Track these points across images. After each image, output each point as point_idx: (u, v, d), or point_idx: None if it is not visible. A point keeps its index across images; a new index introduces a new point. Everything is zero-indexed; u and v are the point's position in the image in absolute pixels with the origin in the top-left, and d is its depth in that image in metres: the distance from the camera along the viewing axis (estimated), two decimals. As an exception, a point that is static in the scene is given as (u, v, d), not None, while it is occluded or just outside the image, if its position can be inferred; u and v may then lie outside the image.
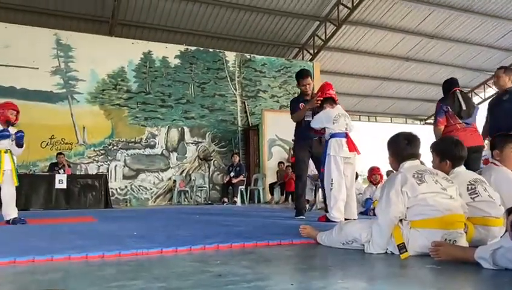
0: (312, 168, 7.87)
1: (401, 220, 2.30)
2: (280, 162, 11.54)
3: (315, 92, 5.54)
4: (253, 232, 3.19)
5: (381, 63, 16.53)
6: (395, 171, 2.54)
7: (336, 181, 4.47)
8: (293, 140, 5.60)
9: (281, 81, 13.64)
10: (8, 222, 4.72)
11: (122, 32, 12.42)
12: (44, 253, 2.13)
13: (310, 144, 5.10)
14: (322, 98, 4.89)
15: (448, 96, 4.43)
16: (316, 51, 14.64)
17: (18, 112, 4.96)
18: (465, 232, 2.31)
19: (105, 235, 3.21)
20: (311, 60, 14.77)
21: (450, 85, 4.54)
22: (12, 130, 4.85)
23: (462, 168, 2.73)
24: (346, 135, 4.68)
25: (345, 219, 4.26)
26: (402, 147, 2.50)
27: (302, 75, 5.22)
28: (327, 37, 13.99)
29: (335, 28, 13.58)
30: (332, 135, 4.62)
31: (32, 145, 10.15)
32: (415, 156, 2.52)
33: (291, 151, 9.24)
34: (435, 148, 2.88)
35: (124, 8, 11.80)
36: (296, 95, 6.17)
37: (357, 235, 2.37)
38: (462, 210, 2.33)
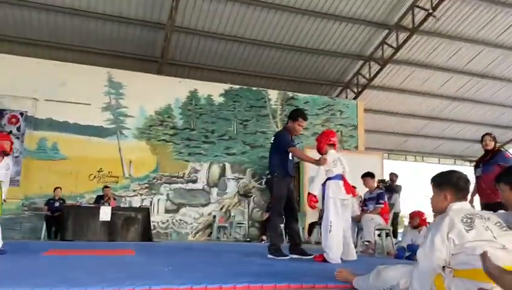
0: (355, 209, 7.68)
1: (443, 268, 2.13)
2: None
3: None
4: (287, 273, 3.10)
5: (428, 102, 16.17)
6: (436, 214, 2.38)
7: (334, 223, 4.58)
8: (273, 174, 5.17)
9: (323, 119, 13.60)
10: None
11: (170, 71, 12.94)
12: (79, 285, 2.15)
13: (289, 182, 5.21)
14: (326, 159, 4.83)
15: None
16: (360, 90, 14.57)
17: (12, 143, 5.25)
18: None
19: (139, 269, 3.22)
20: (354, 98, 14.69)
21: None
22: (7, 159, 5.06)
23: None
24: (343, 178, 4.76)
25: (343, 260, 4.54)
26: (453, 186, 2.27)
27: (305, 117, 5.32)
28: (371, 76, 13.93)
29: (379, 67, 13.52)
30: (330, 178, 4.73)
31: (81, 177, 10.67)
32: (465, 197, 2.35)
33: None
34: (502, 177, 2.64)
35: (173, 49, 12.34)
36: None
37: (395, 282, 2.23)
38: (515, 263, 2.13)
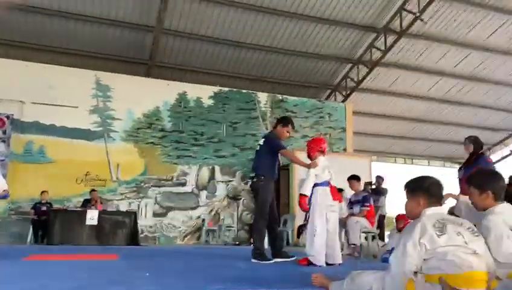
0: (343, 211, 7.70)
1: (415, 272, 2.14)
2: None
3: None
4: (265, 278, 3.09)
5: (417, 105, 16.27)
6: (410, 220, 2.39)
7: (319, 228, 4.69)
8: (260, 177, 5.13)
9: (312, 121, 13.63)
10: None
11: (159, 73, 12.89)
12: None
13: (273, 186, 5.28)
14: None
15: None
16: (348, 93, 14.62)
17: None
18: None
19: (115, 274, 3.20)
20: (343, 101, 14.74)
21: None
22: None
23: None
24: (329, 184, 4.92)
25: (328, 264, 4.69)
26: (426, 192, 2.29)
27: (294, 126, 5.49)
28: (360, 78, 13.99)
29: (368, 70, 13.58)
30: (317, 184, 4.85)
31: (68, 180, 10.57)
32: (438, 202, 2.36)
33: None
34: (472, 180, 2.68)
35: (161, 51, 12.30)
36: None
37: (367, 287, 2.23)
38: (486, 268, 2.14)
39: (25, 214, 9.94)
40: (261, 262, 4.76)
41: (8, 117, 10.37)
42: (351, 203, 7.17)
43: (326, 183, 4.91)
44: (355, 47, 13.29)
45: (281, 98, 13.54)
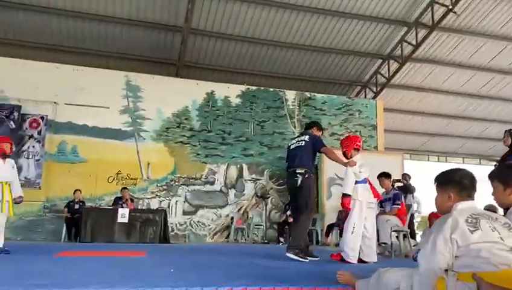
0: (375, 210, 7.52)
1: (446, 271, 2.02)
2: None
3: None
4: (290, 276, 3.03)
5: (450, 101, 15.79)
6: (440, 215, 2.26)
7: (357, 225, 4.72)
8: (308, 172, 5.10)
9: (341, 119, 13.43)
10: None
11: (188, 73, 13.01)
12: (71, 286, 2.15)
13: None
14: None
15: None
16: (379, 89, 14.33)
17: (12, 144, 5.56)
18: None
19: (141, 271, 3.22)
20: (373, 97, 14.46)
21: None
22: (9, 160, 5.38)
23: None
24: (369, 182, 4.95)
25: (363, 262, 4.69)
26: (457, 185, 2.15)
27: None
28: (391, 74, 13.68)
29: (399, 65, 13.26)
30: (357, 182, 4.86)
31: (100, 179, 10.81)
32: (471, 196, 2.22)
33: None
34: (497, 175, 2.51)
35: (190, 51, 12.41)
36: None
37: (395, 285, 2.13)
38: (524, 265, 2.00)
39: (59, 212, 10.24)
40: (301, 260, 4.61)
41: (42, 118, 10.71)
42: (381, 202, 6.99)
43: (366, 180, 4.93)
44: (386, 42, 13.01)
45: (309, 95, 13.41)
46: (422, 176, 12.27)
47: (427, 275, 2.02)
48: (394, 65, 13.51)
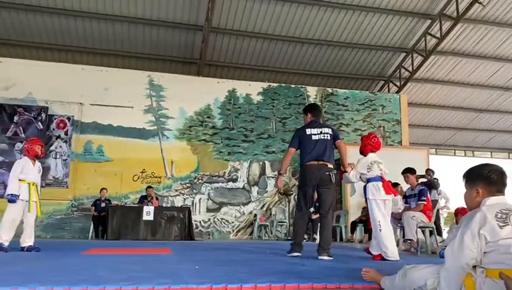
0: (399, 206, 7.41)
1: (474, 267, 1.98)
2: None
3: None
4: (315, 273, 3.02)
5: (477, 94, 15.40)
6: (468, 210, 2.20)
7: (382, 222, 4.69)
8: (334, 169, 5.00)
9: (364, 114, 13.28)
10: (22, 249, 5.22)
11: (209, 72, 13.10)
12: (99, 283, 2.20)
13: None
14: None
15: None
16: (402, 83, 14.09)
17: (43, 146, 5.69)
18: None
19: (167, 267, 3.26)
20: (397, 92, 14.23)
21: None
22: (38, 163, 5.57)
23: None
24: (382, 179, 4.87)
25: (370, 253, 4.75)
26: (485, 180, 2.10)
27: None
28: (414, 68, 13.42)
29: (423, 58, 13.01)
30: (369, 180, 4.89)
31: (125, 178, 11.01)
32: (501, 191, 2.16)
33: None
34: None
35: (211, 50, 12.47)
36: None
37: (422, 282, 2.10)
38: (555, 262, 1.94)
39: (87, 210, 10.48)
40: (331, 258, 4.49)
41: (69, 119, 10.97)
42: (406, 198, 6.89)
43: (378, 178, 4.86)
44: (409, 35, 12.78)
45: (331, 91, 13.30)
46: (449, 171, 12.02)
47: (454, 271, 1.98)
48: (418, 58, 13.25)
